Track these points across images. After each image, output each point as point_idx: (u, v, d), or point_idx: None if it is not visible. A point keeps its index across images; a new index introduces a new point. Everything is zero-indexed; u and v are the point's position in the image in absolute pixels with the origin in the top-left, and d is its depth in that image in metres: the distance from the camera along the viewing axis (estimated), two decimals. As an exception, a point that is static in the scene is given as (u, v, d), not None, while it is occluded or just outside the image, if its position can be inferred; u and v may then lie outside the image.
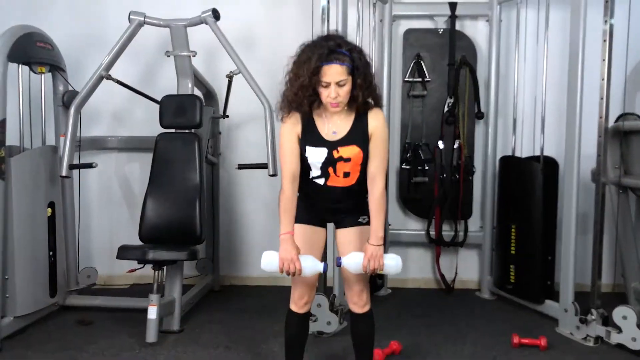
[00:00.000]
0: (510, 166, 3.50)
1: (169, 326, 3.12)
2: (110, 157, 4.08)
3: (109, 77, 3.19)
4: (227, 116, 3.68)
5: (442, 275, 3.90)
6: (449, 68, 3.72)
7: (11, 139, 3.04)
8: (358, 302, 2.25)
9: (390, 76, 3.76)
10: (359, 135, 2.08)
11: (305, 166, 2.13)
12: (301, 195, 2.19)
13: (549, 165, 3.34)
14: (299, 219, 2.18)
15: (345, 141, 2.09)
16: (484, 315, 3.47)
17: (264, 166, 2.96)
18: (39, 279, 3.12)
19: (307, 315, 2.33)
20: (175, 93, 3.34)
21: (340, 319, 3.05)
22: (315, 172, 2.13)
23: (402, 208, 3.98)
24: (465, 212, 3.81)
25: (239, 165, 3.02)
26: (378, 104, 2.11)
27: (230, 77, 3.34)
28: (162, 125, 3.26)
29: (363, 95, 2.02)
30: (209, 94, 3.76)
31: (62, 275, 3.32)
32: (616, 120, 3.19)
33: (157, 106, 3.31)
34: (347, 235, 2.22)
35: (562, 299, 3.15)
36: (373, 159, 2.10)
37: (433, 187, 3.80)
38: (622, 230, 3.25)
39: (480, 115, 3.74)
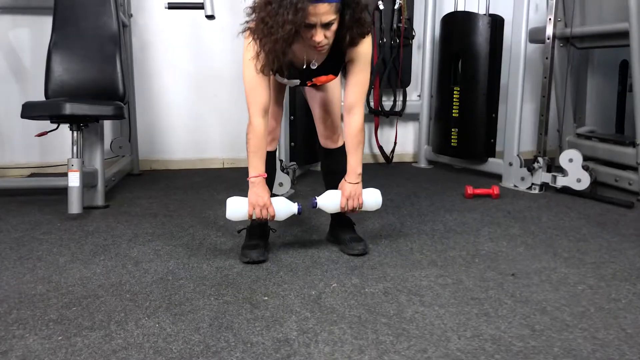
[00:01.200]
0: (455, 22, 3.35)
1: (92, 201, 2.68)
2: (-12, 21, 3.35)
3: None
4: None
5: (381, 147, 3.78)
6: None
7: None
8: (332, 137, 2.08)
9: None
10: (337, 62, 1.83)
11: None
12: None
13: (496, 21, 3.23)
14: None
15: (320, 71, 1.84)
16: (429, 178, 3.42)
17: (199, 6, 2.51)
18: None
19: (274, 154, 2.08)
20: None
21: (293, 180, 2.81)
22: None
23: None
24: (404, 80, 3.66)
25: (169, 4, 2.54)
26: (365, 35, 1.77)
27: None
28: (64, -38, 2.65)
29: (350, 35, 1.71)
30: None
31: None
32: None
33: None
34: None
35: (507, 154, 3.16)
36: (353, 86, 1.84)
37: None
38: (561, 83, 3.29)
39: (419, -26, 3.53)
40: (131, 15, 3.36)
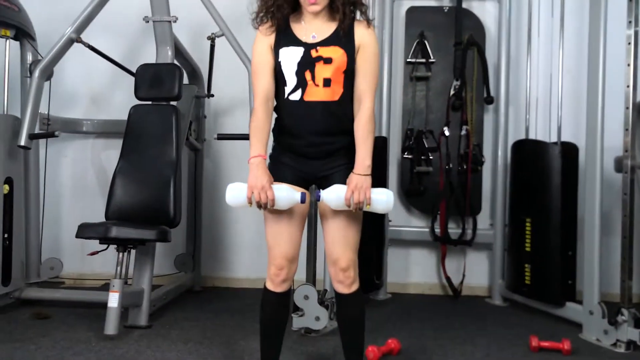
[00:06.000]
0: (525, 151, 3.15)
1: (136, 321, 2.72)
2: (86, 144, 3.77)
3: (79, 40, 2.89)
4: (212, 95, 3.37)
5: (448, 278, 3.50)
6: (455, 48, 3.42)
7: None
8: (344, 281, 1.85)
9: (391, 57, 3.46)
10: (342, 38, 1.78)
11: (279, 83, 1.81)
12: (277, 139, 1.88)
13: (568, 150, 2.98)
14: (277, 175, 1.82)
15: (326, 42, 1.78)
16: (497, 320, 3.06)
17: (247, 137, 2.60)
18: (-12, 263, 2.75)
19: (286, 296, 1.93)
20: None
21: (330, 315, 2.65)
22: (290, 82, 1.79)
23: (404, 202, 3.62)
24: (473, 207, 3.44)
25: (218, 135, 2.68)
26: (366, 18, 1.81)
27: (212, 40, 3.04)
28: (137, 97, 2.95)
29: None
30: (194, 73, 3.47)
31: (18, 263, 2.95)
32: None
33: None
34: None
35: (587, 300, 2.74)
36: (361, 76, 1.78)
37: (438, 178, 3.45)
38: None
39: (489, 100, 3.42)
40: (205, 140, 3.58)
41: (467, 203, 3.41)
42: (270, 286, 1.89)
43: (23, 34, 3.02)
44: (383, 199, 1.76)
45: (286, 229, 1.84)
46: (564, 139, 3.04)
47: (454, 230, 3.49)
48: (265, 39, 1.82)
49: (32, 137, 2.74)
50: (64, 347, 2.41)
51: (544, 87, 3.31)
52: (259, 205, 1.73)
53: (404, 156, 3.51)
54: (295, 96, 1.79)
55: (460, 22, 3.42)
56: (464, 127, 3.39)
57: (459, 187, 3.42)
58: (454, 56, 3.41)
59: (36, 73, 2.80)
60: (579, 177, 2.98)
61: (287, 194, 1.74)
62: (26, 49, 3.08)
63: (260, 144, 1.78)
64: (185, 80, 3.42)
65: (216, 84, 3.50)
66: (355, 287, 1.88)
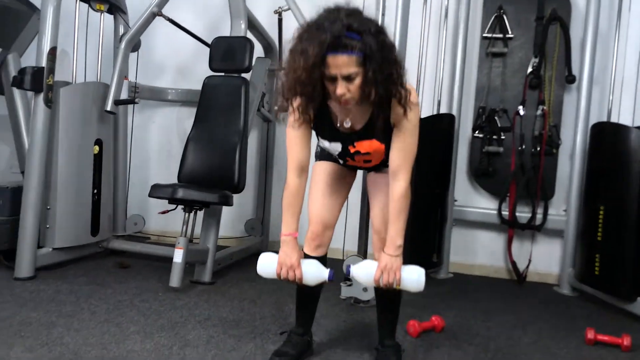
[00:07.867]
0: (604, 134, 2.94)
1: (200, 277, 2.95)
2: (172, 112, 4.05)
3: (161, 14, 3.10)
4: (284, 68, 3.46)
5: (514, 263, 3.39)
6: (536, 23, 3.22)
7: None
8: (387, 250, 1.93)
9: (467, 32, 3.34)
10: (379, 127, 1.72)
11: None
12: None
13: (652, 135, 2.75)
14: (325, 157, 2.00)
15: (362, 135, 1.79)
16: (558, 309, 2.93)
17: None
18: (80, 214, 3.09)
19: (321, 261, 2.02)
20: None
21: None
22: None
23: (472, 181, 3.52)
24: (545, 191, 3.28)
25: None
26: (401, 88, 1.65)
27: (279, 14, 3.12)
28: (211, 68, 3.12)
29: (376, 91, 1.61)
30: (269, 47, 3.58)
31: (106, 216, 3.28)
32: None
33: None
34: (379, 176, 1.96)
35: (658, 296, 2.56)
36: (397, 151, 1.76)
37: (509, 159, 3.32)
38: None
39: (571, 79, 3.21)
40: (277, 111, 3.71)
41: (539, 187, 3.26)
42: (306, 250, 1.99)
43: (116, 8, 3.30)
44: (414, 278, 1.78)
45: (327, 197, 1.98)
46: (652, 122, 2.81)
47: (524, 214, 3.36)
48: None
49: (116, 103, 3.01)
50: (134, 293, 2.69)
51: (632, 67, 3.05)
52: (287, 280, 1.84)
53: (475, 135, 3.41)
54: (338, 160, 1.97)
55: (543, -5, 3.22)
56: (541, 107, 3.21)
57: (531, 170, 3.27)
58: (535, 32, 3.22)
59: (122, 44, 3.07)
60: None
61: (315, 270, 1.83)
62: (118, 22, 3.36)
63: (293, 221, 1.87)
64: (261, 54, 3.58)
65: (290, 58, 3.60)
66: None
